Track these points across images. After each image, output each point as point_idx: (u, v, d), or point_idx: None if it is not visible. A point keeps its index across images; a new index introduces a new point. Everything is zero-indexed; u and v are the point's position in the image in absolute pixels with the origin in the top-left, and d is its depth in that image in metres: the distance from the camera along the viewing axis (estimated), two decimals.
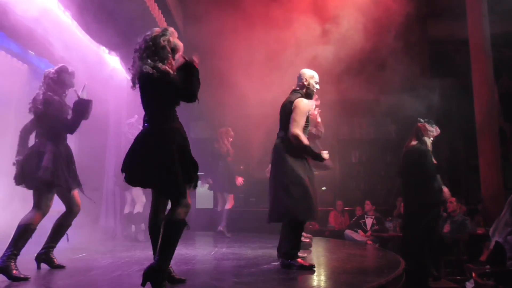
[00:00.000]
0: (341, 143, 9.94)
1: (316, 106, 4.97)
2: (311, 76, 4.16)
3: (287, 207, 3.79)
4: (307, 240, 5.08)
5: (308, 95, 4.12)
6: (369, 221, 8.12)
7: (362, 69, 8.40)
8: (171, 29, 3.07)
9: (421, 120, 5.55)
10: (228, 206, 6.99)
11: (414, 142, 5.44)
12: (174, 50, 3.00)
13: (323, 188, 9.24)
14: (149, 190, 3.28)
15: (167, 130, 2.85)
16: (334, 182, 9.51)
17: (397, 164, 6.17)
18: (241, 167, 8.59)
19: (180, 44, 3.06)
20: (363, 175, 10.19)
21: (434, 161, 5.32)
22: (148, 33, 2.97)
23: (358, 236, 7.91)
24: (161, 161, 2.76)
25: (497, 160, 7.88)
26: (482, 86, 7.99)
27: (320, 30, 6.45)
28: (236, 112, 7.66)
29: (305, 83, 4.11)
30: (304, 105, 3.93)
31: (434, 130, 5.50)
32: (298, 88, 4.12)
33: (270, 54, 6.74)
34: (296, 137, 3.81)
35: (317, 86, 4.19)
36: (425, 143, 5.35)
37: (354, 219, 8.39)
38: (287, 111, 3.95)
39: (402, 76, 7.83)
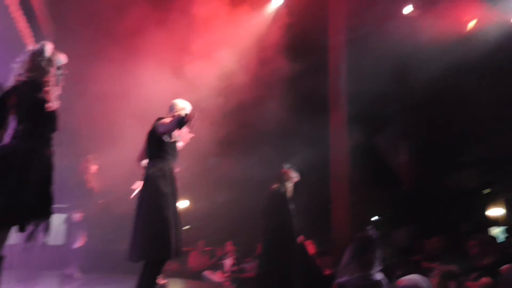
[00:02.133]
0: (209, 182, 9.97)
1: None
2: (183, 108, 4.09)
3: (143, 243, 3.53)
4: (162, 282, 4.84)
5: (182, 124, 4.04)
6: (228, 261, 8.14)
7: (235, 110, 8.63)
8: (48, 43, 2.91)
9: (286, 165, 5.87)
10: (78, 243, 6.38)
11: (276, 185, 5.71)
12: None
13: (187, 226, 9.08)
14: None
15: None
16: (199, 220, 9.42)
17: (261, 206, 6.37)
18: (99, 200, 7.99)
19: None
20: (228, 215, 10.31)
21: (293, 205, 5.63)
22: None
23: (217, 277, 7.84)
24: None
25: (347, 205, 8.65)
26: (337, 137, 8.81)
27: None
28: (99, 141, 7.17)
29: (176, 113, 4.02)
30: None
31: (296, 176, 5.86)
32: (162, 117, 4.01)
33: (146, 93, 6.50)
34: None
35: (188, 125, 4.12)
36: (286, 187, 5.65)
37: (214, 259, 8.34)
38: (150, 136, 3.81)
39: (270, 122, 8.24)
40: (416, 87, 9.37)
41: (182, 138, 4.17)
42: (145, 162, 3.83)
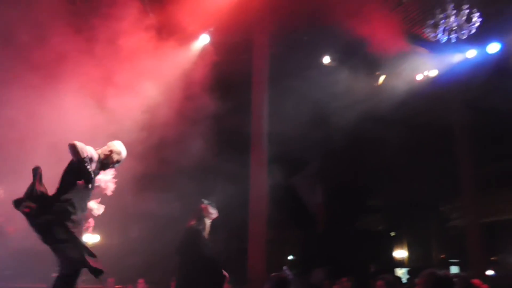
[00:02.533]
0: (122, 216, 9.55)
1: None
2: (118, 151, 3.97)
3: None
4: None
5: (103, 164, 3.90)
6: None
7: (157, 145, 8.49)
8: None
9: (204, 201, 5.81)
10: None
11: (193, 222, 5.62)
12: None
13: None
14: None
15: None
16: (109, 256, 8.91)
17: (176, 242, 6.21)
18: None
19: None
20: (141, 251, 9.89)
21: (209, 242, 5.56)
22: None
23: None
24: None
25: (263, 244, 8.73)
26: (257, 176, 8.97)
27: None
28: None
29: (108, 152, 3.90)
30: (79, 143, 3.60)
31: (214, 213, 5.81)
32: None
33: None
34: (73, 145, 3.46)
35: (117, 165, 4.01)
36: (204, 224, 5.59)
37: None
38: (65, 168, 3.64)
39: (192, 158, 8.20)
40: (332, 132, 9.93)
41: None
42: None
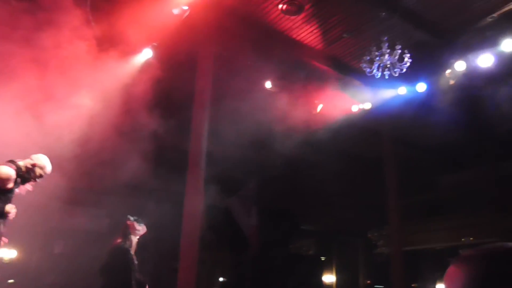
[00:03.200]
0: (45, 230, 9.03)
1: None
2: (42, 166, 3.84)
3: None
4: None
5: (24, 178, 3.72)
6: None
7: (91, 159, 8.19)
8: None
9: (131, 218, 5.64)
10: None
11: (119, 240, 5.44)
12: None
13: (10, 280, 7.98)
14: None
15: None
16: (27, 274, 8.36)
17: (101, 261, 5.96)
18: None
19: None
20: (63, 269, 9.35)
21: (135, 261, 5.40)
22: None
23: None
24: None
25: (195, 264, 8.57)
26: (192, 195, 8.86)
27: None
28: None
29: (30, 166, 3.75)
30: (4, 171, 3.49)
31: (141, 229, 5.65)
32: (14, 160, 3.70)
33: None
34: None
35: (38, 180, 3.84)
36: (130, 241, 5.42)
37: None
38: None
39: (128, 174, 7.99)
40: (270, 156, 10.11)
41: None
42: None
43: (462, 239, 10.80)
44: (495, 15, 8.63)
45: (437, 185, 10.67)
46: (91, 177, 8.31)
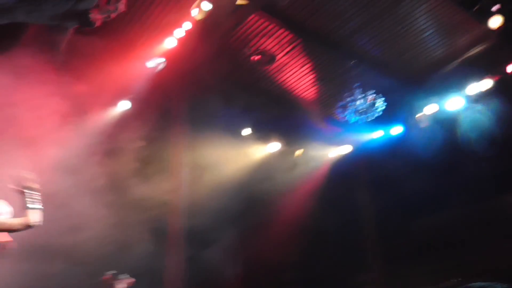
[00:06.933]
0: None
1: None
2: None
3: None
4: None
5: None
6: None
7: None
8: None
9: (108, 272, 5.48)
10: None
11: None
12: None
13: None
14: None
15: None
16: None
17: None
18: None
19: None
20: None
21: None
22: None
23: None
24: None
25: None
26: (173, 247, 8.65)
27: None
28: None
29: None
30: None
31: (121, 283, 5.44)
32: None
33: None
34: None
35: None
36: None
37: None
38: None
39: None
40: (249, 205, 9.97)
41: None
42: None
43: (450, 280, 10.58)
44: (459, 60, 9.02)
45: (411, 229, 10.55)
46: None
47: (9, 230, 3.28)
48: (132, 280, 5.50)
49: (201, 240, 10.21)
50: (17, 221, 3.28)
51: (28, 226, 3.24)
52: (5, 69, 6.03)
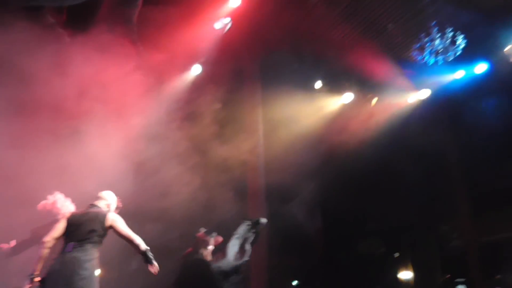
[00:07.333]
0: (119, 248, 9.42)
1: None
2: (116, 200, 4.43)
3: None
4: None
5: None
6: None
7: None
8: None
9: (201, 229, 5.76)
10: None
11: (190, 250, 5.58)
12: None
13: None
14: None
15: None
16: None
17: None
18: None
19: None
20: (141, 283, 9.71)
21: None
22: None
23: None
24: None
25: (264, 271, 8.67)
26: (255, 204, 8.95)
27: None
28: None
29: (108, 203, 4.32)
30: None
31: (212, 240, 5.72)
32: (99, 206, 4.21)
33: None
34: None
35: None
36: (201, 252, 5.53)
37: None
38: (93, 222, 3.94)
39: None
40: (328, 160, 9.95)
41: None
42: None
43: None
44: None
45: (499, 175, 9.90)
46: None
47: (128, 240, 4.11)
48: (220, 238, 5.81)
49: (281, 196, 10.45)
50: (138, 240, 4.08)
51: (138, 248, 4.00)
52: (91, 46, 6.37)
